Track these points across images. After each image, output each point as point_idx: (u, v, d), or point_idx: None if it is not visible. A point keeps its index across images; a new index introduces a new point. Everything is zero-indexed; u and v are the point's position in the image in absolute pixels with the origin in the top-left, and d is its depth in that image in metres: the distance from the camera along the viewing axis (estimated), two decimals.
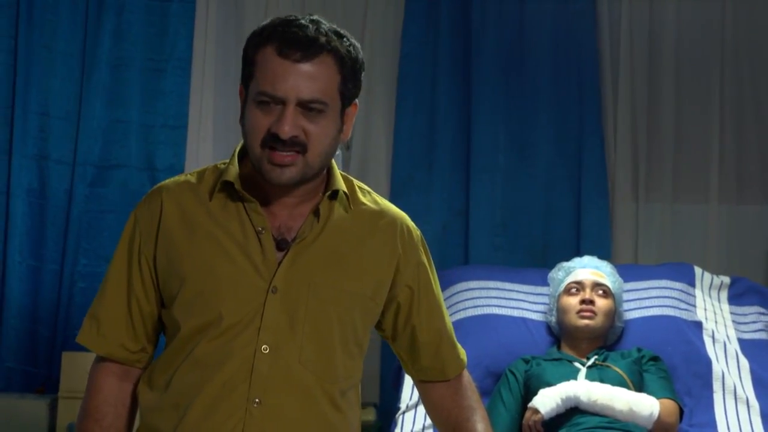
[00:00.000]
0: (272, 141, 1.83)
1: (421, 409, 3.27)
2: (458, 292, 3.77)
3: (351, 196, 2.01)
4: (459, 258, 4.27)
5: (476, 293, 3.74)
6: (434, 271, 2.13)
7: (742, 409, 3.40)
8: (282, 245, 1.92)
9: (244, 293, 1.89)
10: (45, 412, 3.76)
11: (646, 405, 3.14)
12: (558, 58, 4.31)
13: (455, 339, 2.18)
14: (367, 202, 2.04)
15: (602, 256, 3.87)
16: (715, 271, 3.98)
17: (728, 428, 3.34)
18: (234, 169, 1.94)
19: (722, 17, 4.28)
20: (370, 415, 3.95)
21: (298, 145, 1.84)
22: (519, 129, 4.32)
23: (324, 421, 1.93)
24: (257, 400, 1.86)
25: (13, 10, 4.15)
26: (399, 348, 2.14)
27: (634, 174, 4.29)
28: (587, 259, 3.61)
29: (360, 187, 2.06)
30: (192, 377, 1.89)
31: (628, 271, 3.77)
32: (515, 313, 3.68)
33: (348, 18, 4.35)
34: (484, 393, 3.42)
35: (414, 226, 2.10)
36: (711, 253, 4.22)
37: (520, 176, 4.30)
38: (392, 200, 4.17)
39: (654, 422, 3.13)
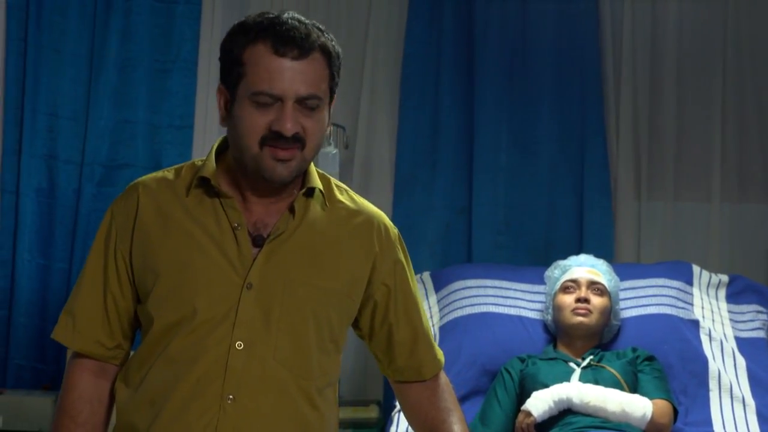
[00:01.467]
0: (273, 139, 1.85)
1: None
2: (456, 291, 3.78)
3: (327, 194, 2.03)
4: (462, 256, 4.27)
5: (473, 291, 3.76)
6: (412, 269, 2.14)
7: (738, 407, 3.40)
8: (258, 241, 1.93)
9: (219, 289, 1.90)
10: (51, 408, 3.81)
11: (639, 406, 3.15)
12: (560, 58, 4.31)
13: (432, 339, 2.18)
14: (344, 200, 2.06)
15: (605, 255, 3.89)
16: (718, 269, 3.97)
17: (724, 427, 3.34)
18: (211, 166, 1.96)
19: (724, 17, 4.26)
20: (374, 413, 3.97)
21: (299, 141, 1.87)
22: (522, 128, 4.32)
23: (299, 418, 1.94)
24: (231, 396, 1.87)
25: (22, 12, 4.19)
26: (376, 347, 2.15)
27: (637, 173, 4.28)
28: (583, 258, 3.63)
29: (337, 185, 2.08)
30: (166, 373, 1.90)
31: (626, 270, 3.77)
32: (512, 311, 3.69)
33: (351, 18, 4.39)
34: (480, 391, 3.46)
35: (392, 224, 2.12)
36: (713, 251, 4.21)
37: (523, 175, 4.31)
38: (396, 199, 4.27)
39: (647, 423, 3.14)
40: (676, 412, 3.25)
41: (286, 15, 1.89)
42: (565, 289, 3.50)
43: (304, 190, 1.97)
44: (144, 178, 2.03)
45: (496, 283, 3.79)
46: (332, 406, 2.04)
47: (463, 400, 3.47)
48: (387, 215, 4.20)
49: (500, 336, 3.59)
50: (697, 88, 4.29)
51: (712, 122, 4.25)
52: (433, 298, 3.82)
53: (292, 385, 1.93)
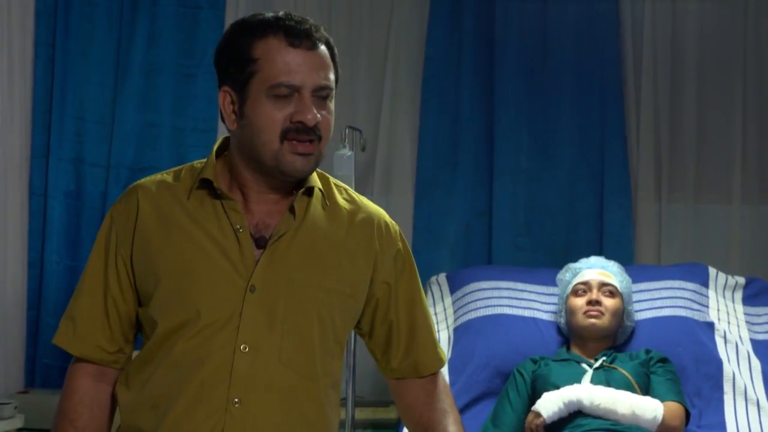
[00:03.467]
0: (295, 131, 1.86)
1: None
2: (470, 293, 3.79)
3: (327, 193, 2.02)
4: (482, 258, 4.29)
5: (488, 293, 3.76)
6: (414, 266, 2.11)
7: (753, 410, 3.38)
8: (261, 243, 1.92)
9: (223, 292, 1.88)
10: None
11: (650, 408, 3.13)
12: (581, 60, 4.32)
13: (435, 336, 2.15)
14: (344, 199, 2.05)
15: (624, 257, 3.88)
16: (738, 271, 3.95)
17: (738, 429, 3.32)
18: (212, 168, 1.95)
19: (745, 18, 4.24)
20: (393, 413, 3.98)
21: (316, 133, 1.88)
22: (542, 130, 4.33)
23: (305, 420, 1.94)
24: (237, 400, 1.86)
25: (51, 18, 4.27)
26: (374, 345, 2.12)
27: (657, 174, 4.27)
28: (594, 260, 3.62)
29: (336, 185, 2.07)
30: (170, 377, 1.89)
31: (641, 272, 3.76)
32: (526, 313, 3.69)
33: (373, 20, 4.41)
34: (493, 393, 3.46)
35: (392, 221, 2.10)
36: (733, 253, 4.19)
37: (543, 177, 4.31)
38: (416, 201, 4.29)
39: (658, 425, 3.12)
40: (688, 414, 3.22)
41: (285, 12, 1.90)
42: (576, 291, 3.50)
43: (303, 190, 1.96)
44: (143, 180, 2.01)
45: (511, 285, 3.79)
46: (335, 407, 2.03)
47: (476, 401, 3.49)
48: (408, 217, 4.29)
49: (514, 338, 3.58)
50: (717, 89, 4.28)
51: (733, 124, 4.23)
52: (448, 300, 3.84)
53: (298, 387, 1.92)
